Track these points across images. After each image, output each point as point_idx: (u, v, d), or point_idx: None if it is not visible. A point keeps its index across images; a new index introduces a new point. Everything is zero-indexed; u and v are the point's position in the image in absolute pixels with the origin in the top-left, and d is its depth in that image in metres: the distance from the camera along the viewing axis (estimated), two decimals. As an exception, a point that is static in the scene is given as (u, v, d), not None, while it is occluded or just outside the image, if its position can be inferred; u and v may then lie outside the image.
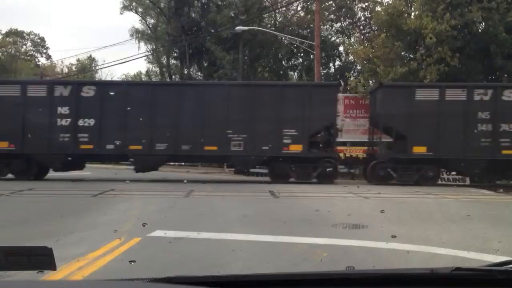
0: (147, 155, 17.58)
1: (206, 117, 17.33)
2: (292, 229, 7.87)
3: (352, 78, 31.43)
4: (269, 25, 34.44)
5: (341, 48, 34.94)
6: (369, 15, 30.59)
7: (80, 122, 17.48)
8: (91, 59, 51.45)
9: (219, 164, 22.41)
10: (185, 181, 17.42)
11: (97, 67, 49.02)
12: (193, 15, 35.54)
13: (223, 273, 2.89)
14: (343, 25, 34.93)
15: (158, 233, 7.35)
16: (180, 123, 17.45)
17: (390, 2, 24.73)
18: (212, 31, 33.15)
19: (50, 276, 2.76)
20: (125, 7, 38.85)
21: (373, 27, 28.54)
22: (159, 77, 39.63)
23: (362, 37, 31.77)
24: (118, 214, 9.91)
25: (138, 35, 38.89)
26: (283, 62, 36.40)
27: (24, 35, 54.99)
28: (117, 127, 17.37)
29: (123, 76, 46.20)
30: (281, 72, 35.34)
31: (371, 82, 22.98)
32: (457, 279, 1.80)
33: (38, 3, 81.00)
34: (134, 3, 38.86)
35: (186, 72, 35.37)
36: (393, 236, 6.59)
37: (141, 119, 17.37)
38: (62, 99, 17.60)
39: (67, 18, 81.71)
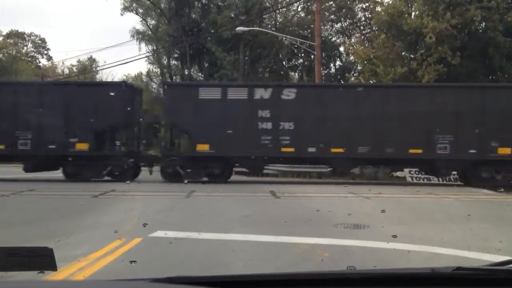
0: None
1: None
2: (293, 229, 7.85)
3: (352, 79, 31.54)
4: (269, 26, 34.43)
5: (341, 49, 35.00)
6: (370, 16, 30.60)
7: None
8: (92, 60, 51.42)
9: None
10: (186, 181, 17.43)
11: (97, 68, 49.00)
12: (193, 16, 35.54)
13: (224, 273, 2.89)
14: (343, 25, 34.94)
15: (159, 233, 7.35)
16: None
17: (391, 2, 24.73)
18: (213, 31, 33.16)
19: (51, 276, 2.76)
20: (126, 8, 38.81)
21: (374, 28, 28.55)
22: (160, 78, 39.61)
23: (362, 37, 31.79)
24: (119, 215, 9.91)
25: (139, 36, 38.79)
26: (284, 63, 36.42)
27: (25, 36, 55.01)
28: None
29: (124, 77, 45.98)
30: (282, 72, 35.37)
31: (371, 82, 23.00)
32: (458, 279, 1.79)
33: (38, 4, 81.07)
34: (134, 4, 38.80)
35: (186, 73, 35.37)
36: (394, 236, 6.58)
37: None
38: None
39: (68, 19, 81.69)
